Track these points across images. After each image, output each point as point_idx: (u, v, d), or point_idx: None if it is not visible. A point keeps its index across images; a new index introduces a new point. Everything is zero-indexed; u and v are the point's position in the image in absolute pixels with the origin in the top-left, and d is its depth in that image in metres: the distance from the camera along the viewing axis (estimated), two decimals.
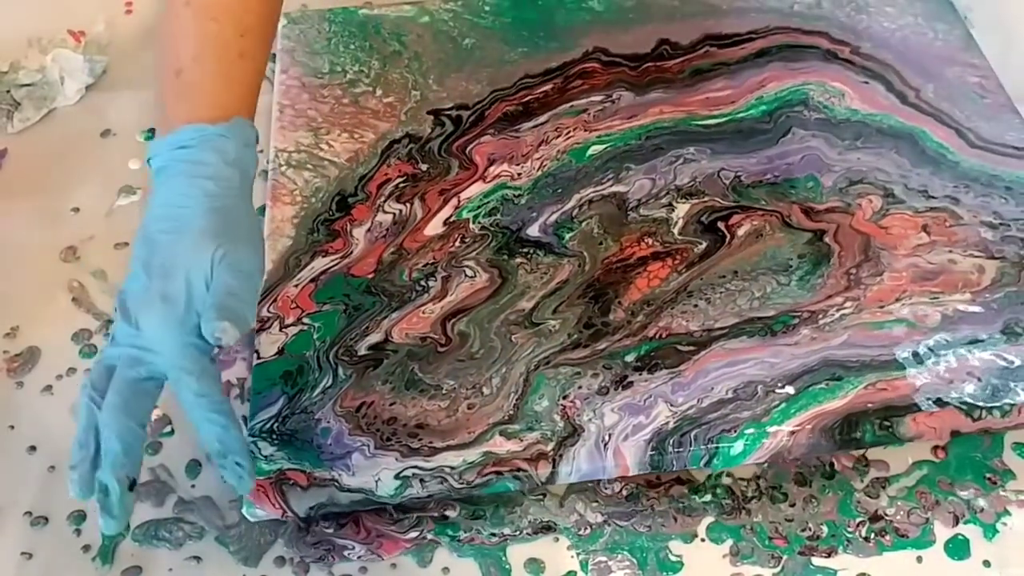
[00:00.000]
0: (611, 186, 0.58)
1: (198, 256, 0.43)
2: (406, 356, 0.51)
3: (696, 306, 0.53)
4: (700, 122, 0.61)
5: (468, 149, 0.60)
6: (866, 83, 0.62)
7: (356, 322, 0.52)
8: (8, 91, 0.66)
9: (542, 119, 0.61)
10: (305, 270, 0.54)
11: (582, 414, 0.49)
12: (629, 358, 0.51)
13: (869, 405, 0.48)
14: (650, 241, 0.55)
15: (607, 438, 0.48)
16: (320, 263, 0.55)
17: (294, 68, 0.64)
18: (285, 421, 0.48)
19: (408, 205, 0.57)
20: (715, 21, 0.66)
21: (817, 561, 0.48)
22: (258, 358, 0.51)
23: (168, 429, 0.51)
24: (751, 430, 0.47)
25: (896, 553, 0.48)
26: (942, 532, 0.48)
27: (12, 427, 0.52)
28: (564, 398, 0.49)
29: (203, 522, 0.49)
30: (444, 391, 0.50)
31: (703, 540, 0.49)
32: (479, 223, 0.56)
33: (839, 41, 0.65)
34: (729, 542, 0.49)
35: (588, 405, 0.49)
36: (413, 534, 0.49)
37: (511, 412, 0.49)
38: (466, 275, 0.54)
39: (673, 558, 0.48)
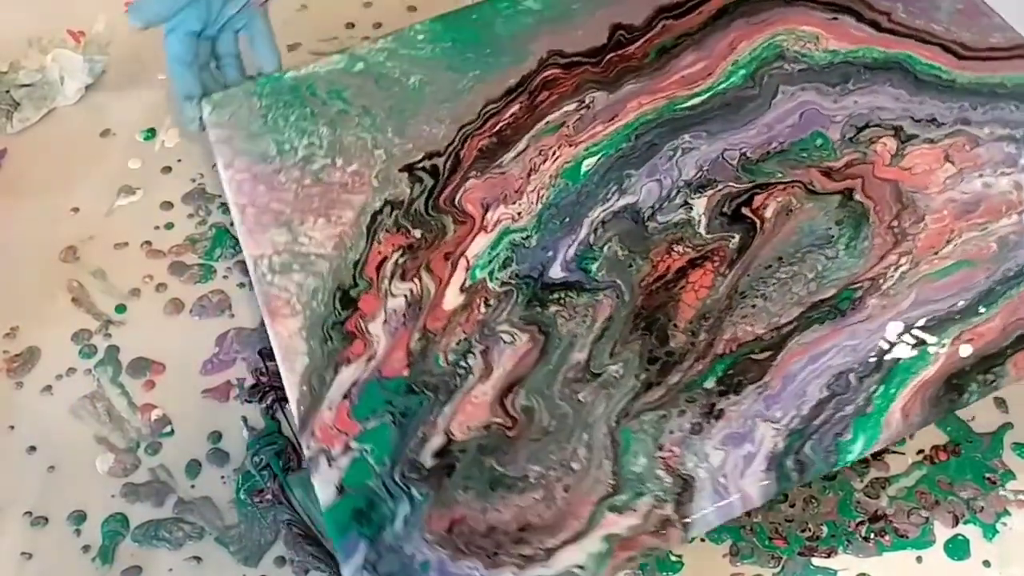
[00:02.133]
0: (618, 200, 0.54)
1: None
2: (477, 453, 0.46)
3: (754, 306, 0.49)
4: (684, 105, 0.57)
5: (457, 200, 0.55)
6: (835, 19, 0.59)
7: (409, 430, 0.47)
8: (8, 91, 0.66)
9: (521, 145, 0.57)
10: (333, 387, 0.49)
11: (685, 461, 0.45)
12: (709, 384, 0.47)
13: (964, 361, 0.46)
14: (680, 249, 0.52)
15: (723, 480, 0.44)
16: (346, 375, 0.49)
17: (238, 159, 0.57)
18: (377, 567, 0.44)
19: (416, 281, 0.52)
20: None
21: (817, 561, 0.48)
22: (319, 503, 0.46)
23: (168, 429, 0.50)
24: (863, 425, 0.45)
25: (896, 553, 0.48)
26: (942, 532, 0.48)
27: (12, 427, 0.51)
28: (660, 449, 0.45)
29: (203, 522, 0.49)
30: (533, 480, 0.45)
31: (703, 540, 0.49)
32: (497, 280, 0.52)
33: None
34: (729, 542, 0.49)
35: (688, 449, 0.45)
36: None
37: (612, 482, 0.45)
38: (504, 342, 0.50)
39: (673, 558, 0.48)
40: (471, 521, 0.44)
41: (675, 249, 0.52)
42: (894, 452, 0.51)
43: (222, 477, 0.51)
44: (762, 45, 0.59)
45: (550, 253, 0.52)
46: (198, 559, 0.48)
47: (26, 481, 0.50)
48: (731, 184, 0.54)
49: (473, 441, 0.47)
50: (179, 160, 0.63)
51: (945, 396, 0.46)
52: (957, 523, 0.49)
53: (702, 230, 0.52)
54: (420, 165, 0.56)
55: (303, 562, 0.49)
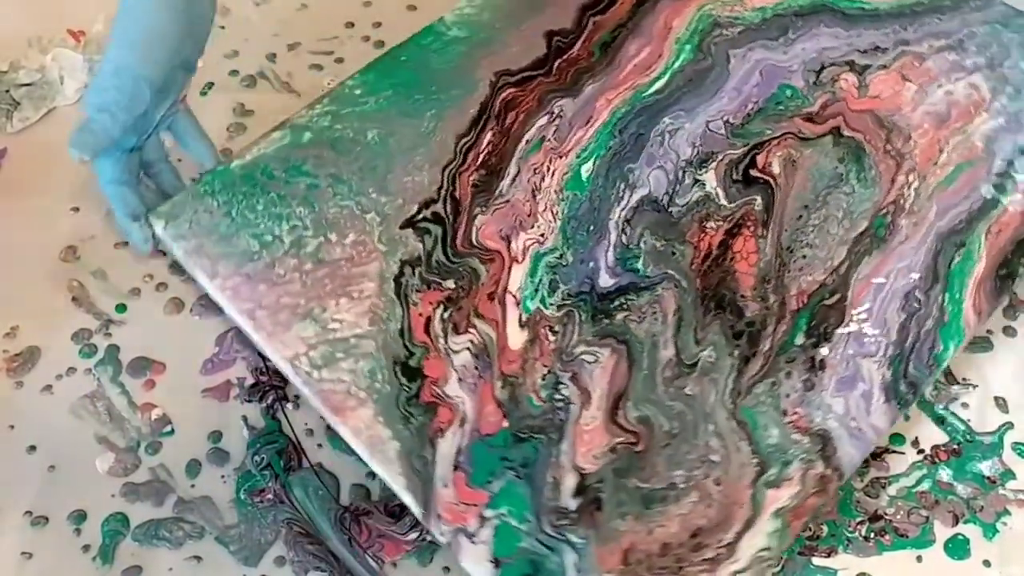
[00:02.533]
0: (631, 195, 0.54)
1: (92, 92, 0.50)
2: (616, 477, 0.45)
3: (805, 256, 0.51)
4: (650, 91, 0.58)
5: (475, 239, 0.53)
6: None
7: (537, 479, 0.45)
8: (8, 91, 0.66)
9: (512, 170, 0.55)
10: (438, 464, 0.46)
11: (813, 418, 0.45)
12: (799, 340, 0.48)
13: (1005, 251, 0.49)
14: (712, 224, 0.52)
15: (854, 423, 0.45)
16: (446, 447, 0.46)
17: (222, 266, 0.52)
18: None
19: (472, 331, 0.50)
20: None
21: (817, 561, 0.47)
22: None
23: (168, 429, 0.50)
24: (947, 333, 0.47)
25: (896, 553, 0.48)
26: (942, 532, 0.48)
27: (12, 427, 0.51)
28: (784, 414, 0.46)
29: (203, 522, 0.49)
30: (682, 485, 0.44)
31: None
32: (552, 305, 0.50)
33: None
34: None
35: (810, 406, 0.46)
36: (413, 535, 0.48)
37: (756, 461, 0.45)
38: (588, 362, 0.48)
39: None
40: (642, 546, 0.43)
41: (707, 226, 0.52)
42: (894, 452, 0.51)
43: (222, 477, 0.51)
44: (694, 18, 0.61)
45: (591, 264, 0.51)
46: (198, 559, 0.48)
47: (26, 481, 0.50)
48: (728, 152, 0.55)
49: (606, 468, 0.45)
50: (179, 160, 0.61)
51: (1001, 284, 0.49)
52: (957, 523, 0.48)
53: (724, 201, 0.53)
54: (420, 217, 0.54)
55: (303, 562, 0.48)
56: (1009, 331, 0.53)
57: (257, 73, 0.70)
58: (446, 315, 0.50)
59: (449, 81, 0.59)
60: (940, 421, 0.52)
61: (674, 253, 0.51)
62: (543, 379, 0.48)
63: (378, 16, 0.73)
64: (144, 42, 0.50)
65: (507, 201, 0.54)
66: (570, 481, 0.45)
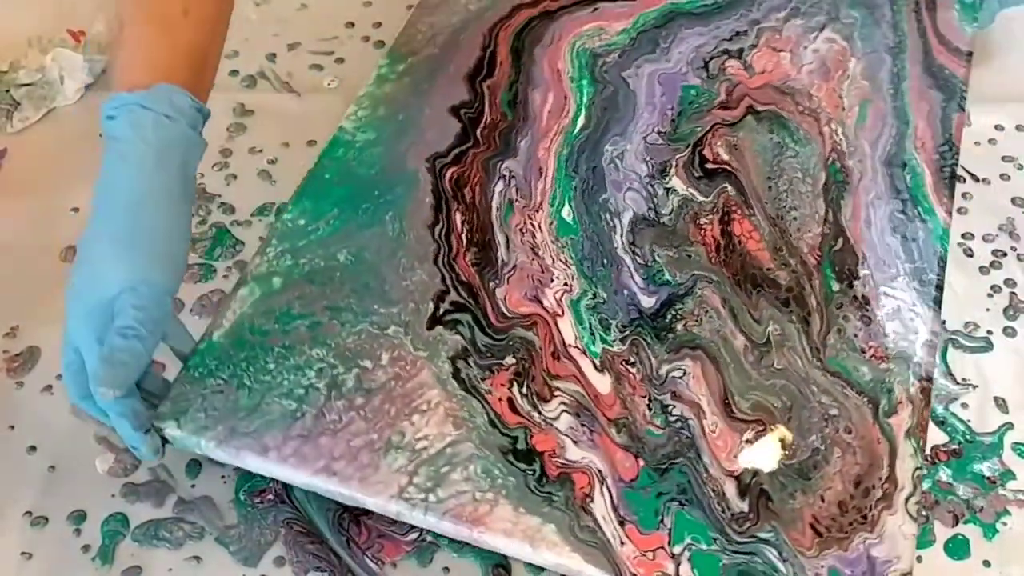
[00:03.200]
0: (621, 220, 0.56)
1: (92, 318, 0.43)
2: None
3: (795, 218, 0.55)
4: (576, 129, 0.60)
5: (508, 311, 0.52)
6: (595, 9, 0.67)
7: (701, 499, 0.45)
8: (8, 91, 0.65)
9: (501, 238, 0.55)
10: (604, 527, 0.45)
11: (886, 345, 0.50)
12: (835, 287, 0.52)
13: (939, 156, 0.57)
14: (705, 220, 0.56)
15: (915, 335, 0.50)
16: (601, 508, 0.45)
17: (268, 437, 0.48)
18: None
19: (558, 392, 0.49)
20: (459, 54, 0.64)
21: None
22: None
23: None
24: (937, 234, 0.54)
25: None
26: (942, 532, 0.48)
27: (12, 427, 0.51)
28: (863, 352, 0.50)
29: (203, 522, 0.49)
30: (822, 446, 0.47)
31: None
32: (614, 342, 0.51)
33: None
34: None
35: (878, 337, 0.50)
36: (413, 536, 0.49)
37: (867, 399, 0.48)
38: (679, 378, 0.49)
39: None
40: (823, 513, 0.45)
41: (701, 223, 0.55)
42: None
43: (222, 477, 0.51)
44: (573, 56, 0.64)
45: (625, 292, 0.53)
46: (198, 559, 0.48)
47: (26, 481, 0.50)
48: (677, 156, 0.58)
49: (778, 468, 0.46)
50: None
51: (949, 182, 0.56)
52: (957, 523, 0.48)
53: (701, 197, 0.57)
54: (442, 311, 0.52)
55: (303, 562, 0.48)
56: (1009, 331, 0.54)
57: (257, 73, 0.70)
58: (524, 390, 0.49)
59: (386, 182, 0.58)
60: (940, 421, 0.51)
61: (690, 256, 0.54)
62: (650, 409, 0.48)
63: (378, 16, 0.74)
64: (164, 254, 0.45)
65: (514, 267, 0.54)
66: (730, 487, 0.46)
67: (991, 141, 0.63)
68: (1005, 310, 0.55)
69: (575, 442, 0.47)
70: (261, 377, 0.50)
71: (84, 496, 0.49)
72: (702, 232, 0.55)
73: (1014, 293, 0.56)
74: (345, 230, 0.56)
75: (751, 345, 0.50)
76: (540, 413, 0.48)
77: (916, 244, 0.54)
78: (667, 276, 0.53)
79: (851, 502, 0.45)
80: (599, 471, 0.46)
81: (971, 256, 0.57)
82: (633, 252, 0.54)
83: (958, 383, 0.53)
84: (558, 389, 0.49)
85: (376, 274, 0.54)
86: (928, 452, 0.50)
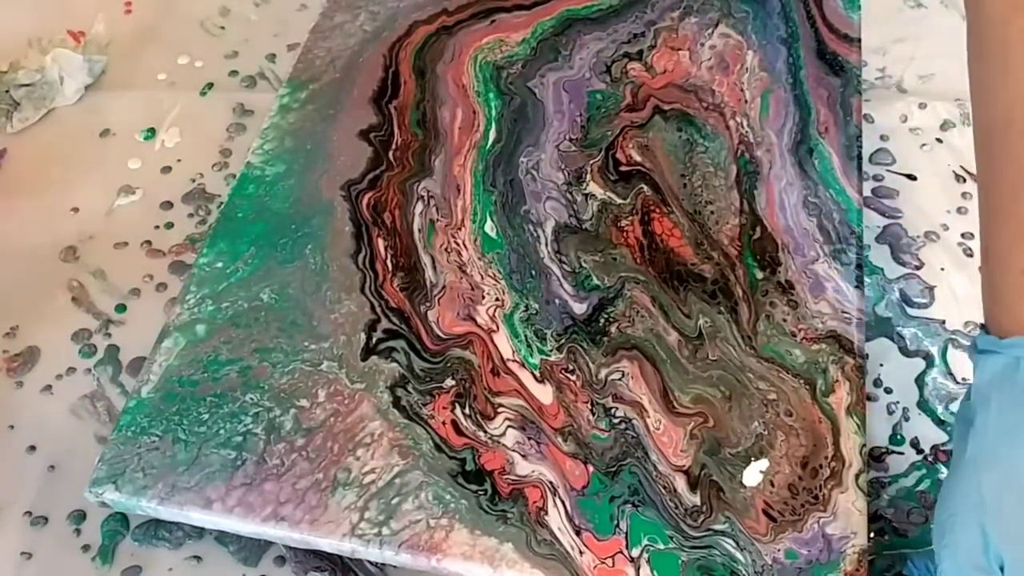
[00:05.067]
0: (544, 230, 0.56)
1: None
2: (711, 456, 0.47)
3: (712, 212, 0.56)
4: (489, 143, 0.60)
5: (442, 334, 0.52)
6: (493, 22, 0.67)
7: (654, 498, 0.46)
8: (8, 91, 0.66)
9: (427, 260, 0.55)
10: (561, 539, 0.45)
11: (815, 326, 0.51)
12: (759, 275, 0.53)
13: (843, 137, 0.59)
14: (625, 222, 0.56)
15: (844, 314, 0.51)
16: (556, 520, 0.45)
17: (210, 489, 0.46)
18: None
19: (500, 408, 0.49)
20: (361, 77, 0.63)
21: None
22: None
23: None
24: (851, 215, 0.55)
25: (896, 553, 0.47)
26: None
27: (12, 427, 0.51)
28: (794, 336, 0.51)
29: None
30: (764, 431, 0.48)
31: None
32: (552, 352, 0.51)
33: None
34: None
35: (806, 319, 0.51)
36: None
37: (802, 380, 0.49)
38: (619, 380, 0.50)
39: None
40: (775, 498, 0.45)
41: (622, 225, 0.56)
42: (894, 452, 0.51)
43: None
44: (476, 71, 0.64)
45: (557, 301, 0.53)
46: (198, 559, 0.47)
47: (26, 481, 0.50)
48: (591, 162, 0.59)
49: (699, 454, 0.47)
50: (179, 160, 0.63)
51: (856, 162, 0.58)
52: None
53: (619, 200, 0.57)
54: (375, 340, 0.51)
55: (303, 562, 0.48)
56: None
57: (257, 73, 0.70)
58: (466, 410, 0.49)
59: (302, 214, 0.57)
60: (940, 421, 0.52)
61: (615, 259, 0.54)
62: (593, 414, 0.48)
63: None
64: None
65: (444, 287, 0.53)
66: (680, 482, 0.46)
67: None
68: None
69: (523, 456, 0.47)
70: (196, 429, 0.48)
71: (84, 496, 0.48)
72: (624, 234, 0.55)
73: None
74: (265, 268, 0.55)
75: (684, 340, 0.51)
76: (486, 432, 0.48)
77: (832, 225, 0.55)
78: (595, 281, 0.53)
79: (800, 484, 0.46)
80: (550, 483, 0.46)
81: (971, 256, 0.57)
82: (560, 260, 0.54)
83: (958, 383, 0.53)
84: (501, 405, 0.49)
85: (303, 310, 0.53)
86: (928, 451, 0.51)
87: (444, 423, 0.48)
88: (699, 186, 0.57)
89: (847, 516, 0.45)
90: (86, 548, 0.48)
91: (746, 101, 0.62)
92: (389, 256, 0.55)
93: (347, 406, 0.49)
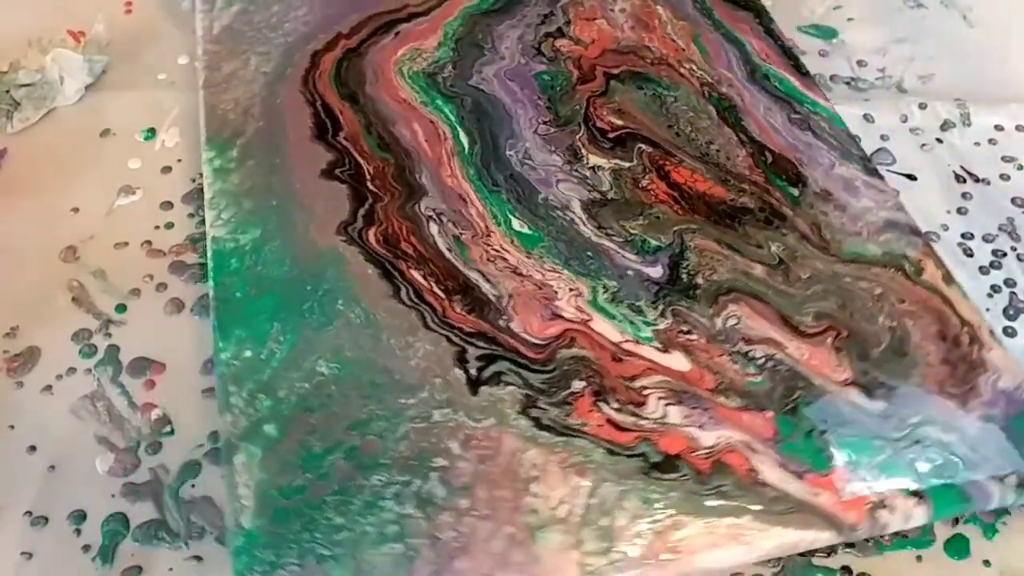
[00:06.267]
0: (571, 212, 0.52)
1: None
2: None
3: (718, 150, 0.56)
4: (465, 148, 0.55)
5: (533, 343, 0.46)
6: (398, 35, 0.62)
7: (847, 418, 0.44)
8: (7, 91, 0.66)
9: (474, 274, 0.49)
10: (794, 492, 0.41)
11: (879, 216, 0.52)
12: (795, 191, 0.53)
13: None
14: (646, 181, 0.54)
15: (896, 198, 0.53)
16: (774, 480, 0.42)
17: None
18: None
19: (643, 394, 0.45)
20: (288, 118, 0.56)
21: (817, 561, 0.46)
22: None
23: (168, 429, 0.50)
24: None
25: (896, 553, 0.46)
26: (942, 532, 0.47)
27: (12, 427, 0.51)
28: (860, 232, 0.51)
29: (203, 522, 0.48)
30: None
31: None
32: (656, 318, 0.47)
33: None
34: None
35: (872, 211, 0.52)
36: None
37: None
38: (737, 324, 0.47)
39: None
40: (940, 377, 0.45)
41: (644, 184, 0.54)
42: None
43: (222, 477, 0.49)
44: (413, 84, 0.59)
45: (630, 272, 0.49)
46: (198, 559, 0.46)
47: (26, 481, 0.49)
48: (577, 137, 0.56)
49: (858, 363, 0.46)
50: (179, 160, 0.61)
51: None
52: (957, 523, 0.47)
53: (626, 164, 0.55)
54: (475, 370, 0.45)
55: None
56: (1009, 331, 0.53)
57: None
58: (614, 405, 0.44)
59: (310, 272, 0.50)
60: None
61: (658, 217, 0.52)
62: (735, 363, 0.46)
63: None
64: None
65: (510, 296, 0.48)
66: (855, 394, 0.45)
67: (991, 141, 0.63)
68: (1005, 310, 0.54)
69: (700, 427, 0.43)
70: (337, 537, 0.39)
71: (84, 496, 0.48)
72: (651, 193, 0.53)
73: (1014, 293, 0.55)
74: (304, 340, 0.46)
75: (771, 269, 0.49)
76: (647, 418, 0.43)
77: (826, 132, 0.56)
78: (653, 242, 0.51)
79: (953, 355, 0.46)
80: (742, 442, 0.43)
81: (971, 256, 0.57)
82: (607, 234, 0.51)
83: None
84: (644, 387, 0.44)
85: (375, 368, 0.45)
86: None
87: (600, 426, 0.43)
88: (691, 131, 0.57)
89: (1008, 368, 0.45)
90: (86, 548, 0.47)
91: (682, 49, 0.62)
92: (434, 284, 0.48)
93: (489, 447, 0.42)
